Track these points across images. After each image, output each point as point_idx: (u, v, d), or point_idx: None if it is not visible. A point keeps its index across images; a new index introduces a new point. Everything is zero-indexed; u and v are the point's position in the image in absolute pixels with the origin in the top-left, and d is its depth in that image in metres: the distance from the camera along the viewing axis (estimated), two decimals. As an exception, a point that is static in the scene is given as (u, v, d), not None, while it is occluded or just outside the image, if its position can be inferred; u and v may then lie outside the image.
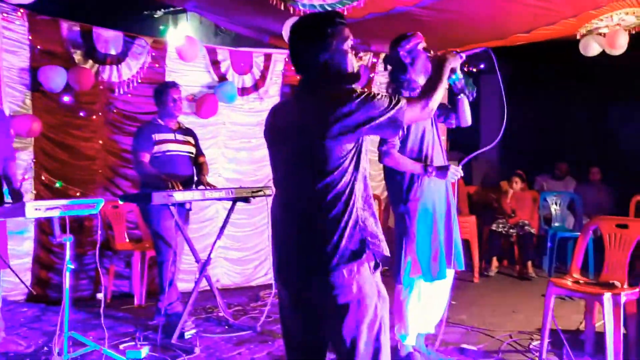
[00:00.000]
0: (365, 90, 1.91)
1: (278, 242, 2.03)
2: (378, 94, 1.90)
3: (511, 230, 6.27)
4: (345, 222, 1.87)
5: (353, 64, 2.01)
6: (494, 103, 9.53)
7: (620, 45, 5.14)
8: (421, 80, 3.27)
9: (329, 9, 4.24)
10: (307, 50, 1.97)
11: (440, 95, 1.99)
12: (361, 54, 6.01)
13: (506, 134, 2.72)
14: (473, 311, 4.79)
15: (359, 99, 1.85)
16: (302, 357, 2.08)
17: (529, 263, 6.18)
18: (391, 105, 1.88)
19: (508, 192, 6.53)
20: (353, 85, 1.94)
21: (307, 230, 1.91)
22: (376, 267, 1.95)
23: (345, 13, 4.06)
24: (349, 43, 2.00)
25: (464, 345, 3.87)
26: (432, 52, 3.03)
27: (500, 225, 6.31)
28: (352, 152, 1.89)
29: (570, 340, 3.80)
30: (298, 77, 2.08)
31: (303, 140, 1.90)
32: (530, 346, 3.87)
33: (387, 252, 1.95)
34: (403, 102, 1.91)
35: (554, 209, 6.67)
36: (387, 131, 1.93)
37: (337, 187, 1.87)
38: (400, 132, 1.99)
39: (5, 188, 3.65)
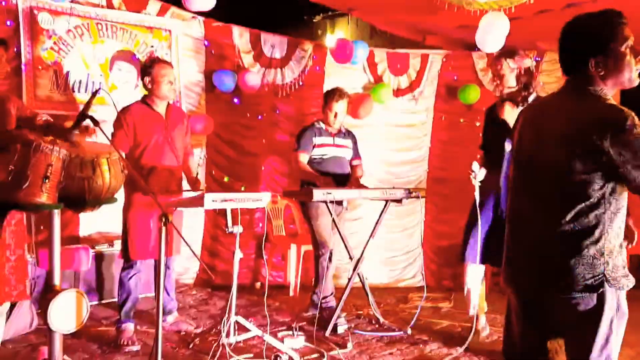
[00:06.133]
0: None
1: (515, 247, 1.98)
2: None
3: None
4: (586, 250, 1.78)
5: (630, 67, 1.84)
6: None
7: None
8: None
9: (497, 7, 4.10)
10: (578, 50, 1.86)
11: None
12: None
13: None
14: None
15: (626, 158, 1.71)
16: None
17: None
18: None
19: None
20: (631, 116, 1.74)
21: (545, 247, 1.85)
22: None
23: (514, 11, 3.90)
24: (629, 44, 1.83)
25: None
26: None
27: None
28: (604, 177, 1.78)
29: None
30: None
31: (560, 151, 1.81)
32: None
33: (629, 286, 1.84)
34: None
35: None
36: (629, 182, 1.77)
37: (584, 209, 1.78)
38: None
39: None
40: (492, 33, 4.41)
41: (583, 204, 1.77)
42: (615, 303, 1.81)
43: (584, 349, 1.83)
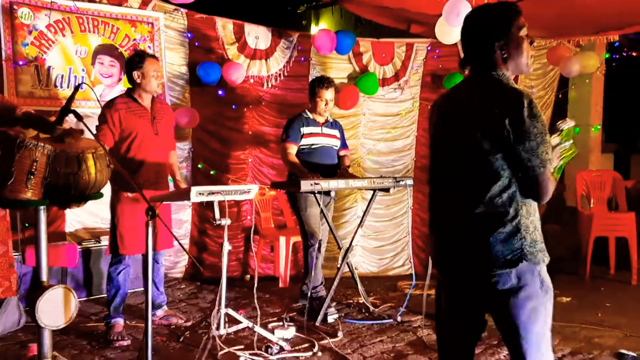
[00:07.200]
0: (543, 124, 1.83)
1: (438, 231, 2.05)
2: (546, 141, 1.83)
3: (676, 230, 5.66)
4: (503, 227, 1.86)
5: (527, 53, 1.98)
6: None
7: None
8: None
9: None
10: (482, 36, 1.97)
11: None
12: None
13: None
14: (631, 315, 4.42)
15: (534, 133, 1.80)
16: (454, 340, 2.11)
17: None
18: (544, 163, 1.83)
19: None
20: (529, 100, 1.83)
21: (465, 230, 1.92)
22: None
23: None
24: (525, 31, 1.97)
25: (623, 350, 3.59)
26: None
27: (663, 224, 5.72)
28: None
29: None
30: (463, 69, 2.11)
31: (469, 134, 1.89)
32: (703, 358, 3.49)
33: (546, 261, 1.91)
34: (548, 169, 1.84)
35: None
36: (522, 176, 1.86)
37: (497, 190, 1.85)
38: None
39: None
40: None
41: (496, 185, 1.85)
42: (537, 278, 1.88)
43: (512, 325, 1.88)
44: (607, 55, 6.52)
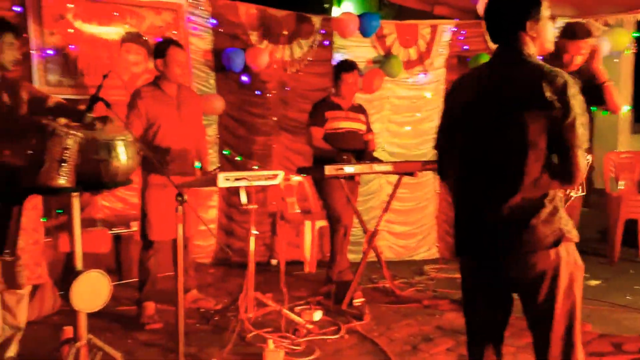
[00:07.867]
0: (583, 104, 1.83)
1: (470, 215, 2.01)
2: (585, 122, 1.84)
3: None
4: (544, 208, 1.86)
5: (551, 31, 1.96)
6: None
7: None
8: None
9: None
10: (513, 14, 1.92)
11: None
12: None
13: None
14: (637, 292, 4.39)
15: (578, 114, 1.81)
16: (485, 327, 2.10)
17: None
18: (582, 143, 1.83)
19: None
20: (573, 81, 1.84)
21: (506, 211, 1.88)
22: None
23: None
24: (549, 11, 1.94)
25: None
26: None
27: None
28: (549, 135, 1.84)
29: None
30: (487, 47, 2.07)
31: (511, 116, 1.85)
32: None
33: (577, 239, 1.92)
34: (584, 150, 1.85)
35: None
36: (561, 156, 1.85)
37: (540, 170, 1.84)
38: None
39: (197, 162, 4.05)
40: None
41: (539, 166, 1.83)
42: (572, 256, 1.91)
43: (546, 305, 1.90)
44: (636, 34, 6.34)
